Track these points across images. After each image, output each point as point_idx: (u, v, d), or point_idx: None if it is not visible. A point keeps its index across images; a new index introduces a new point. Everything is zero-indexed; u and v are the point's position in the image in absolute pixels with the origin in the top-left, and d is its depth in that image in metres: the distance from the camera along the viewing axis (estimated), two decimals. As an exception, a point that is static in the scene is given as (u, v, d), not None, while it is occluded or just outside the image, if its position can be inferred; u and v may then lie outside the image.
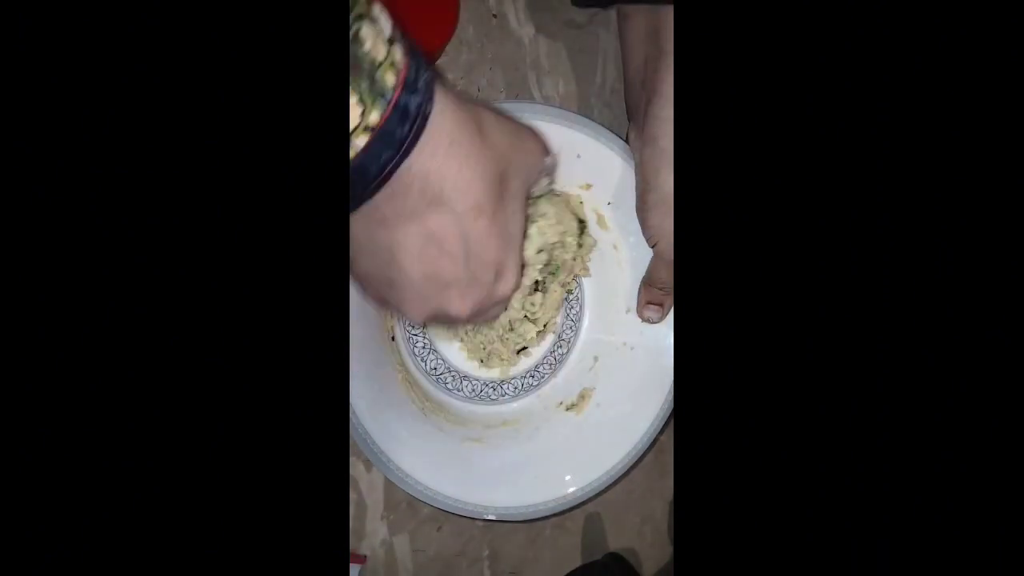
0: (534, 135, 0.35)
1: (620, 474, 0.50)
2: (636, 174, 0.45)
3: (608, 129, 0.47)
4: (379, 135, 0.26)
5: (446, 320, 0.34)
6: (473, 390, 0.53)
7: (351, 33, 0.25)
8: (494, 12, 0.51)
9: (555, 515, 0.51)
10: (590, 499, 0.50)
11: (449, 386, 0.52)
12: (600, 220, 0.49)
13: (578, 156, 0.46)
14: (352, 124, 0.26)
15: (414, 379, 0.51)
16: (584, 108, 0.53)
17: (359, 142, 0.26)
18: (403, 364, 0.50)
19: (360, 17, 0.25)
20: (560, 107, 0.51)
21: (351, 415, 0.45)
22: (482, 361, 0.52)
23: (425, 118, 0.27)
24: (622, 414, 0.50)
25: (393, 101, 0.26)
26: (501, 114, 0.33)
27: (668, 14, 0.41)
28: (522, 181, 0.33)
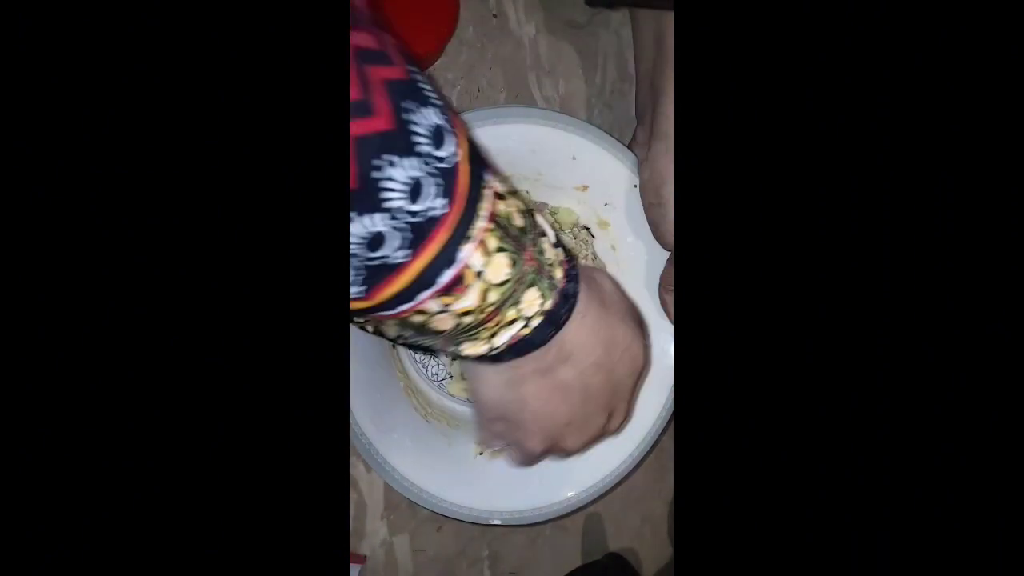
0: (635, 310, 0.40)
1: (623, 476, 0.50)
2: (641, 173, 0.45)
3: (605, 131, 0.47)
4: (548, 316, 0.32)
5: (559, 452, 0.39)
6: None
7: (535, 248, 0.32)
8: (494, 12, 0.51)
9: (558, 518, 0.51)
10: (593, 501, 0.50)
11: (450, 391, 0.52)
12: (599, 221, 0.49)
13: (573, 158, 0.46)
14: (532, 311, 0.32)
15: (416, 387, 0.51)
16: (584, 108, 0.53)
17: (534, 323, 0.32)
18: (405, 372, 0.50)
19: (539, 234, 0.32)
20: (555, 110, 0.51)
21: (355, 425, 0.45)
22: None
23: (576, 297, 0.34)
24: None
25: (561, 288, 0.33)
26: (616, 285, 0.39)
27: (672, 19, 0.43)
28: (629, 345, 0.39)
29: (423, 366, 0.51)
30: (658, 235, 0.46)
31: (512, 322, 0.32)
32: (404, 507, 0.52)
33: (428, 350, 0.39)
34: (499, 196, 0.31)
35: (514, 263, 0.30)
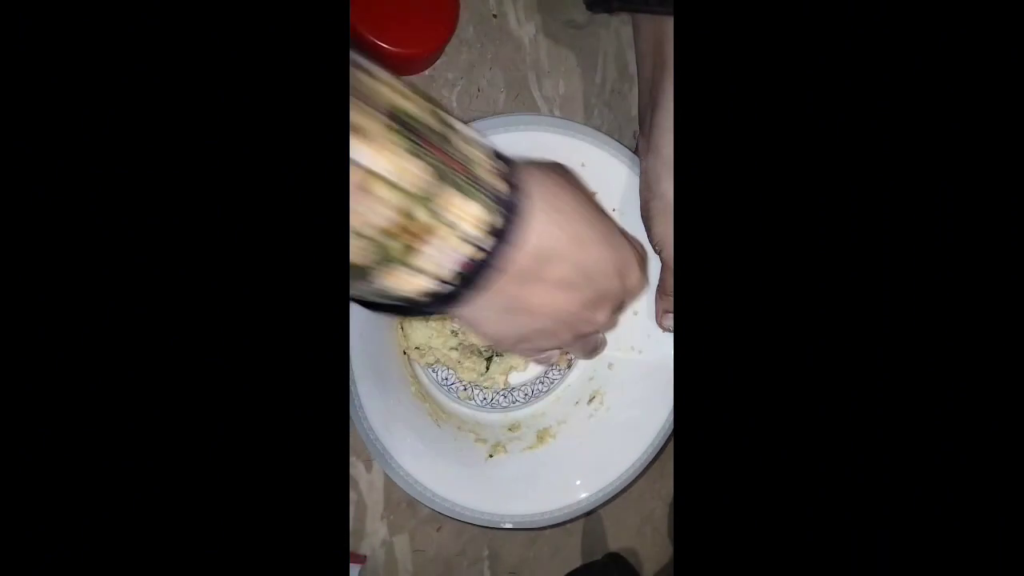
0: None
1: (632, 479, 0.50)
2: (640, 182, 0.45)
3: (610, 136, 0.47)
4: (500, 236, 0.30)
5: (594, 333, 0.38)
6: (484, 398, 0.53)
7: (450, 146, 0.29)
8: (494, 12, 0.51)
9: (567, 522, 0.51)
10: (602, 505, 0.50)
11: (460, 396, 0.52)
12: None
13: (582, 165, 0.46)
14: (474, 228, 0.29)
15: (427, 392, 0.51)
16: (584, 108, 0.53)
17: (486, 244, 0.30)
18: (415, 377, 0.51)
19: (451, 129, 0.29)
20: (563, 117, 0.51)
21: (367, 429, 0.45)
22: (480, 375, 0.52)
23: (525, 204, 0.31)
24: (632, 418, 0.51)
25: (507, 200, 0.30)
26: (576, 184, 0.37)
27: (669, 28, 0.42)
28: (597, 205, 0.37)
29: (433, 371, 0.52)
30: (652, 244, 0.46)
31: (451, 242, 0.29)
32: (404, 507, 0.52)
33: (368, 304, 0.35)
34: (403, 94, 0.28)
35: (433, 167, 0.27)
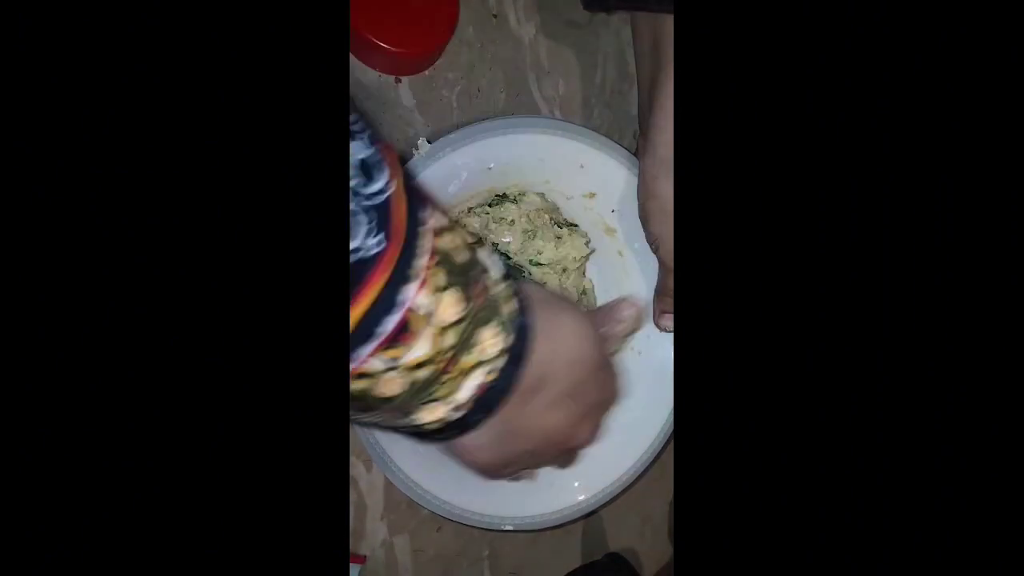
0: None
1: (634, 478, 0.50)
2: (639, 182, 0.45)
3: (610, 137, 0.47)
4: (511, 354, 0.30)
5: (577, 448, 0.38)
6: None
7: (484, 282, 0.29)
8: (494, 12, 0.51)
9: (569, 523, 0.51)
10: (603, 506, 0.50)
11: None
12: (605, 228, 0.50)
13: (581, 166, 0.46)
14: (493, 352, 0.29)
15: None
16: (584, 108, 0.53)
17: (499, 364, 0.30)
18: None
19: (483, 270, 0.30)
20: (562, 119, 0.51)
21: (365, 432, 0.45)
22: None
23: (532, 327, 0.31)
24: (634, 419, 0.51)
25: (516, 321, 0.30)
26: (552, 294, 0.37)
27: (667, 27, 0.42)
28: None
29: None
30: (649, 243, 0.46)
31: (473, 369, 0.29)
32: (404, 507, 0.52)
33: (380, 427, 0.36)
34: (440, 230, 0.28)
35: (467, 300, 0.28)
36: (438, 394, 0.29)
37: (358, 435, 0.45)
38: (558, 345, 0.33)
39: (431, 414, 0.29)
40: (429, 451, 0.47)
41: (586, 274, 0.52)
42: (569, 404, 0.35)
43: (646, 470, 0.50)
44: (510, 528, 0.48)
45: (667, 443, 0.51)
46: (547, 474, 0.50)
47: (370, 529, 0.52)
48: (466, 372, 0.29)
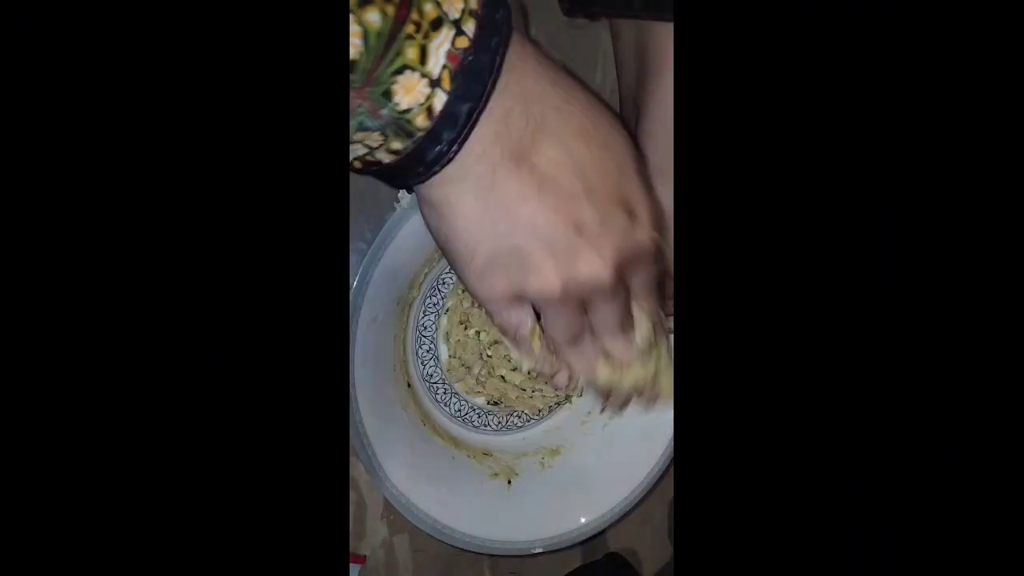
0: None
1: (650, 486, 0.50)
2: None
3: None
4: (481, 22, 0.25)
5: (590, 286, 0.29)
6: (500, 422, 0.53)
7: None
8: (494, 12, 0.50)
9: (568, 548, 0.51)
10: (629, 512, 0.50)
11: (476, 423, 0.52)
12: None
13: None
14: (456, 7, 0.24)
15: (441, 427, 0.51)
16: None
17: (468, 28, 0.25)
18: (427, 415, 0.50)
19: None
20: None
21: (387, 478, 0.45)
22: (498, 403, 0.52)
23: (509, 24, 0.26)
24: (646, 425, 0.51)
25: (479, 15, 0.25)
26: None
27: (654, 33, 0.41)
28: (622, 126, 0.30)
29: (445, 405, 0.51)
30: None
31: (437, 23, 0.25)
32: (404, 507, 0.52)
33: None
34: None
35: None
36: (407, 56, 0.25)
37: (374, 485, 0.45)
38: (561, 99, 0.27)
39: (408, 92, 0.25)
40: (425, 465, 0.48)
41: None
42: (572, 194, 0.27)
43: (649, 491, 0.50)
44: (540, 550, 0.48)
45: (669, 466, 0.51)
46: (571, 487, 0.50)
47: (370, 529, 0.52)
48: (430, 24, 0.25)
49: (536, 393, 0.51)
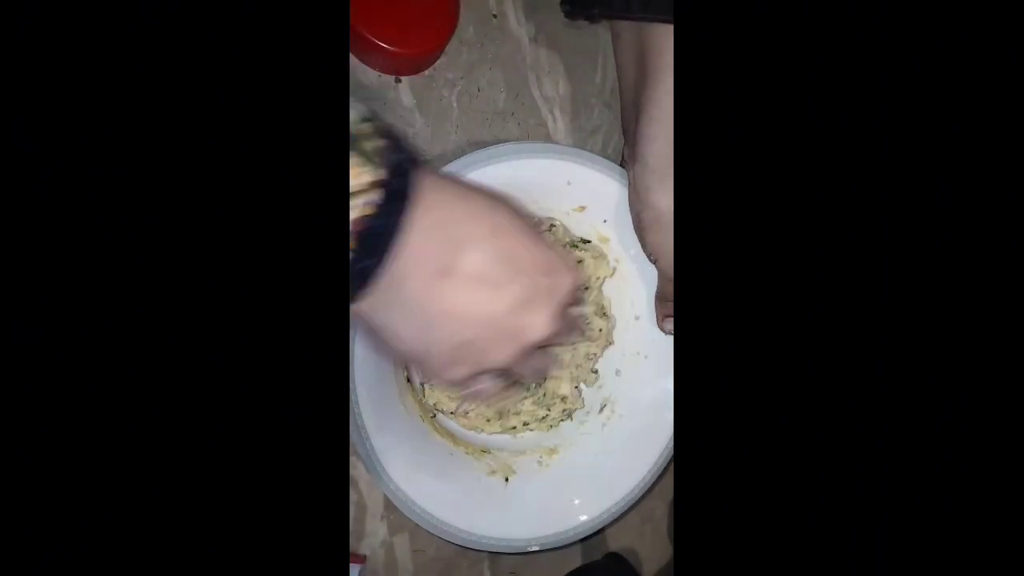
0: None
1: (649, 486, 0.50)
2: (629, 192, 0.45)
3: (610, 137, 0.47)
4: (387, 189, 0.27)
5: (534, 348, 0.32)
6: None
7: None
8: (494, 12, 0.50)
9: (567, 546, 0.51)
10: (628, 511, 0.50)
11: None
12: (599, 237, 0.50)
13: (568, 183, 0.46)
14: (365, 182, 0.26)
15: (439, 422, 0.51)
16: (584, 108, 0.53)
17: (372, 197, 0.26)
18: (427, 410, 0.50)
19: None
20: (542, 141, 0.51)
21: (391, 481, 0.45)
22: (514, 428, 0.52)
23: (414, 174, 0.28)
24: (644, 425, 0.51)
25: (388, 154, 0.27)
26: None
27: (653, 35, 0.41)
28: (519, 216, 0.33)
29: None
30: (646, 254, 0.46)
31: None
32: (404, 507, 0.52)
33: None
34: None
35: None
36: None
37: (372, 480, 0.45)
38: (468, 213, 0.30)
39: None
40: (423, 460, 0.48)
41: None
42: (504, 280, 0.30)
43: (649, 490, 0.50)
44: (537, 548, 0.48)
45: (668, 464, 0.51)
46: (566, 487, 0.50)
47: (370, 529, 0.52)
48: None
49: (547, 415, 0.52)
